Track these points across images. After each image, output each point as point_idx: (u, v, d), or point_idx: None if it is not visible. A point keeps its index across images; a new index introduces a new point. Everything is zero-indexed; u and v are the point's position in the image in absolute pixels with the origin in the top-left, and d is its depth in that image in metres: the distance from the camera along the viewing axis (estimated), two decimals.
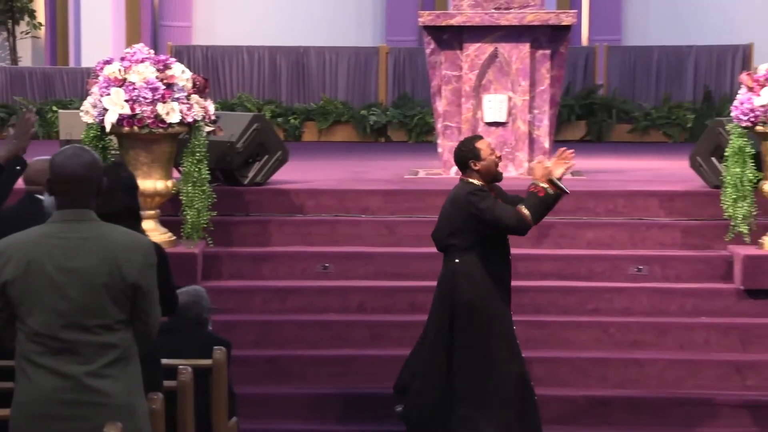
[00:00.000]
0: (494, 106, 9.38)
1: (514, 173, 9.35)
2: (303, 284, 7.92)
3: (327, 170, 10.06)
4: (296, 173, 9.35)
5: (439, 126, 9.59)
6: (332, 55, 13.85)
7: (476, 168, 6.17)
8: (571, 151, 6.10)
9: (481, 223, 6.12)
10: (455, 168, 9.46)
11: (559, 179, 6.04)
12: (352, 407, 7.23)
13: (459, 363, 6.17)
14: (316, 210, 8.46)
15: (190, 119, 7.65)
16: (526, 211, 6.03)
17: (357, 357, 7.45)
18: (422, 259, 8.01)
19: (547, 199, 6.04)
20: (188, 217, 7.76)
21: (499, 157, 6.25)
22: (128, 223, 4.68)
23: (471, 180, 6.21)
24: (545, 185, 6.02)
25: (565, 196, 6.09)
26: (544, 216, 6.10)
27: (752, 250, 7.65)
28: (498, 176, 6.23)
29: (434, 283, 7.88)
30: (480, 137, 6.35)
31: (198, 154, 7.75)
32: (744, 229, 7.59)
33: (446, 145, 9.51)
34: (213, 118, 7.88)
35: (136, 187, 5.12)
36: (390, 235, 8.26)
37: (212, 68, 13.85)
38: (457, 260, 6.22)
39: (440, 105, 9.53)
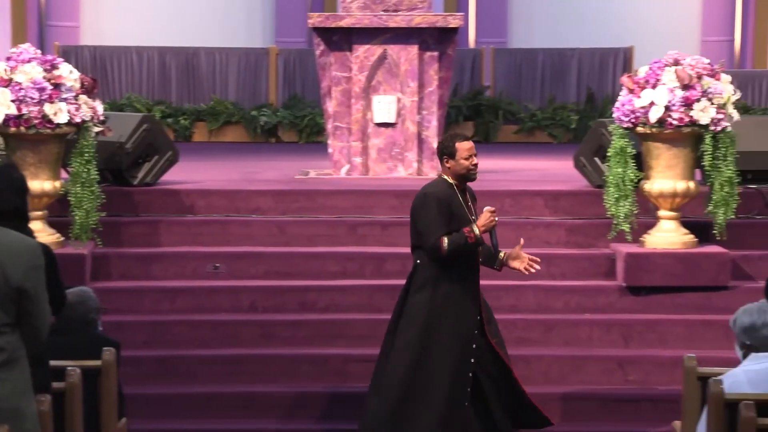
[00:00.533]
0: (383, 107, 9.48)
1: (404, 173, 9.46)
2: (193, 284, 7.93)
3: (217, 171, 10.05)
4: (186, 174, 9.33)
5: (329, 127, 9.66)
6: (222, 56, 13.82)
7: (447, 165, 6.28)
8: (493, 209, 6.25)
9: (413, 226, 6.20)
10: (346, 168, 9.56)
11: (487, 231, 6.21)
12: (242, 406, 7.26)
13: (392, 363, 6.24)
14: (207, 210, 8.47)
15: (78, 120, 7.60)
16: (445, 244, 6.16)
17: (248, 356, 7.48)
18: (313, 258, 8.07)
19: (470, 246, 6.17)
20: (77, 217, 7.71)
21: (475, 165, 6.31)
22: (16, 223, 4.67)
23: (444, 176, 6.33)
24: (477, 233, 6.16)
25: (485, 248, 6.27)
26: (459, 255, 6.20)
27: (634, 248, 7.85)
28: (468, 178, 6.32)
29: (325, 282, 7.97)
30: (465, 137, 6.41)
31: (86, 155, 7.70)
32: (626, 227, 7.78)
33: (336, 146, 9.58)
34: (102, 118, 7.85)
35: (26, 189, 5.10)
36: (280, 235, 8.30)
37: (101, 69, 13.73)
38: (418, 260, 6.28)
39: (330, 106, 9.60)
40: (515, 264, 6.41)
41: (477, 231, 6.19)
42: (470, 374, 6.24)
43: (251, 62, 13.83)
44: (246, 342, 7.59)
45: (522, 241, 6.51)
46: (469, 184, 6.40)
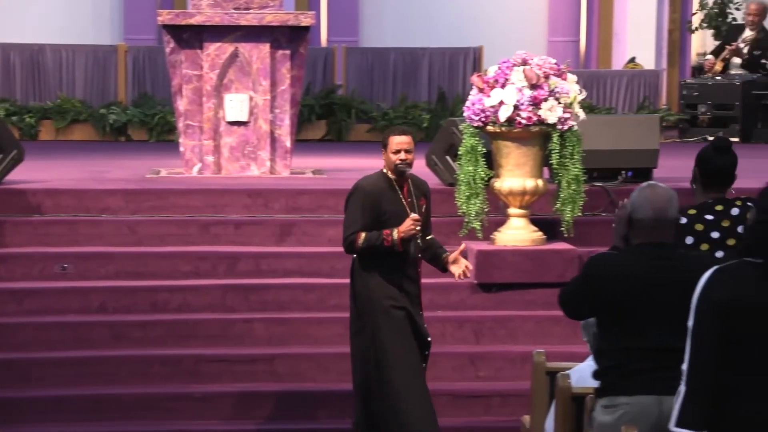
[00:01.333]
0: (235, 105, 9.42)
1: (257, 172, 9.42)
2: (41, 285, 7.77)
3: (65, 170, 9.86)
4: (33, 173, 9.13)
5: (180, 125, 9.56)
6: (69, 53, 13.56)
7: (383, 157, 6.31)
8: (417, 218, 6.22)
9: None
10: (198, 166, 9.47)
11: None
12: (93, 409, 7.14)
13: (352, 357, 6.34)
14: (55, 210, 8.30)
15: None
16: (360, 240, 6.20)
17: (98, 358, 7.36)
18: (164, 258, 7.98)
19: (385, 248, 6.18)
20: None
21: (403, 160, 6.27)
22: None
23: (384, 169, 6.35)
24: (394, 237, 6.15)
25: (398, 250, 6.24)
26: (374, 254, 6.22)
27: (485, 246, 7.95)
28: (398, 173, 6.28)
29: (177, 282, 7.89)
30: (402, 131, 6.40)
31: None
32: (477, 225, 7.88)
33: (188, 144, 9.49)
34: None
35: None
36: (131, 234, 8.18)
37: None
38: (355, 255, 6.24)
39: (181, 104, 9.50)
40: (453, 268, 6.37)
41: (395, 235, 6.17)
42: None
43: (99, 59, 13.60)
44: (96, 343, 7.47)
45: (463, 245, 6.50)
46: (426, 180, 6.40)
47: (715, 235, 5.05)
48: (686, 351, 3.96)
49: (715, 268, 4.00)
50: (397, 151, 6.30)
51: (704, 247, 5.03)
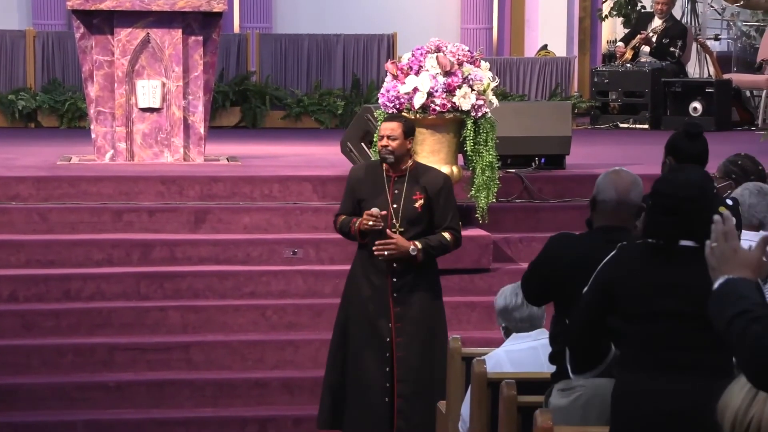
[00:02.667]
0: (148, 91, 9.33)
1: (171, 159, 9.34)
2: None
3: None
4: None
5: (91, 112, 9.44)
6: None
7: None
8: (371, 213, 6.12)
9: None
10: (110, 153, 9.37)
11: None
12: (4, 398, 7.05)
13: None
14: None
15: None
16: (337, 224, 6.22)
17: (8, 347, 7.26)
18: (76, 246, 7.89)
19: (352, 236, 6.19)
20: None
21: (385, 146, 6.15)
22: None
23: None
24: (356, 227, 6.14)
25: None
26: (348, 239, 6.25)
27: None
28: (382, 160, 6.20)
29: (90, 270, 7.79)
30: (391, 117, 6.35)
31: None
32: None
33: (99, 131, 9.38)
34: None
35: None
36: (42, 222, 8.07)
37: None
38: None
39: (92, 90, 9.38)
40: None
41: (356, 226, 6.12)
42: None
43: (7, 45, 13.36)
44: (6, 333, 7.36)
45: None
46: (432, 173, 6.20)
47: None
48: (574, 312, 4.20)
49: (619, 245, 4.13)
50: (381, 137, 6.20)
51: None
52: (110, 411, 7.07)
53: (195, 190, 8.36)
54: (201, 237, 8.08)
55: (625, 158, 9.56)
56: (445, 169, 7.85)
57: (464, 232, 7.96)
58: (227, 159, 9.73)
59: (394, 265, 6.15)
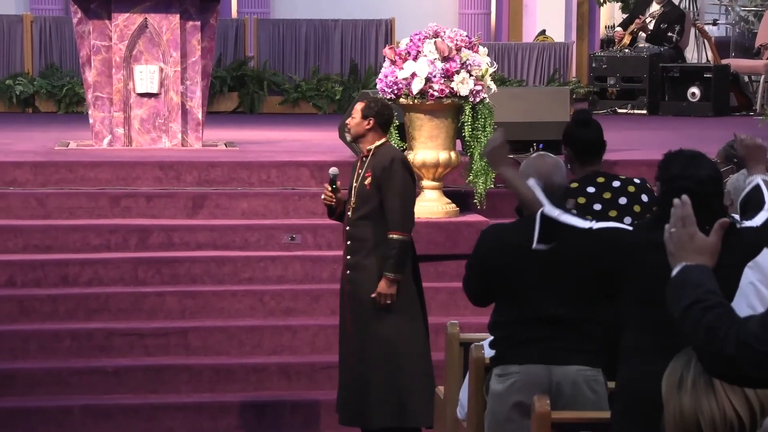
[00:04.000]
0: (146, 77, 9.31)
1: (169, 145, 9.33)
2: None
3: None
4: None
5: (89, 97, 9.43)
6: None
7: None
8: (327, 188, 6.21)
9: None
10: (108, 139, 9.36)
11: None
12: (2, 383, 7.04)
13: None
14: None
15: None
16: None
17: (6, 332, 7.25)
18: (74, 231, 7.88)
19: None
20: None
21: (349, 130, 6.23)
22: None
23: None
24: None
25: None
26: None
27: None
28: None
29: (87, 255, 7.79)
30: (362, 98, 6.33)
31: None
32: None
33: (97, 116, 9.36)
34: None
35: None
36: (40, 207, 8.06)
37: None
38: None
39: (90, 75, 9.36)
40: None
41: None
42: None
43: (4, 30, 13.34)
44: (3, 318, 7.35)
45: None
46: (383, 152, 6.17)
47: (597, 207, 5.11)
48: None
49: (638, 223, 4.30)
50: (350, 118, 6.32)
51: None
52: (107, 396, 7.07)
53: (193, 176, 8.35)
54: (199, 222, 8.08)
55: (623, 143, 9.56)
56: (443, 155, 7.86)
57: (461, 218, 7.98)
58: (225, 144, 9.72)
59: (348, 242, 6.21)
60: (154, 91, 9.33)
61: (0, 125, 11.45)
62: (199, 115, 9.44)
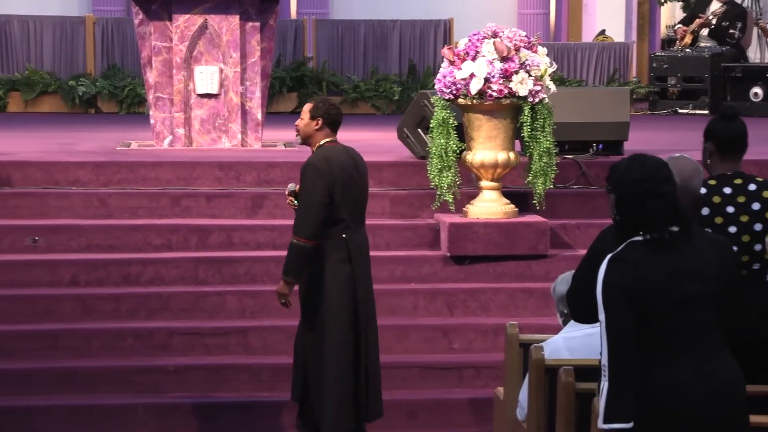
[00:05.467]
0: (206, 77, 9.38)
1: (228, 145, 9.39)
2: (10, 258, 7.72)
3: (34, 142, 9.80)
4: (1, 145, 9.07)
5: (150, 97, 9.51)
6: (36, 25, 13.45)
7: None
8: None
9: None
10: (169, 139, 9.43)
11: None
12: (63, 382, 7.12)
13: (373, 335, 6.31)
14: (24, 182, 8.25)
15: None
16: None
17: (68, 331, 7.33)
18: (135, 231, 7.95)
19: None
20: None
21: (299, 131, 6.32)
22: None
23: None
24: None
25: None
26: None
27: (457, 218, 7.96)
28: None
29: (148, 255, 7.85)
30: (313, 100, 6.41)
31: None
32: (449, 197, 7.89)
33: (158, 117, 9.44)
34: None
35: None
36: (102, 207, 8.14)
37: None
38: (344, 234, 6.27)
39: (151, 76, 9.44)
40: None
41: None
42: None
43: (67, 31, 13.49)
44: (66, 316, 7.43)
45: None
46: (306, 162, 6.30)
47: (730, 209, 4.96)
48: (602, 345, 3.96)
49: (608, 257, 4.00)
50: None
51: (718, 220, 4.94)
52: (169, 395, 7.12)
53: (252, 176, 8.40)
54: (258, 222, 8.12)
55: (684, 144, 9.48)
56: (502, 155, 7.84)
57: (520, 218, 7.96)
58: (284, 145, 9.76)
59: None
60: (214, 91, 9.39)
61: (63, 126, 11.58)
62: (259, 116, 9.50)
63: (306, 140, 6.34)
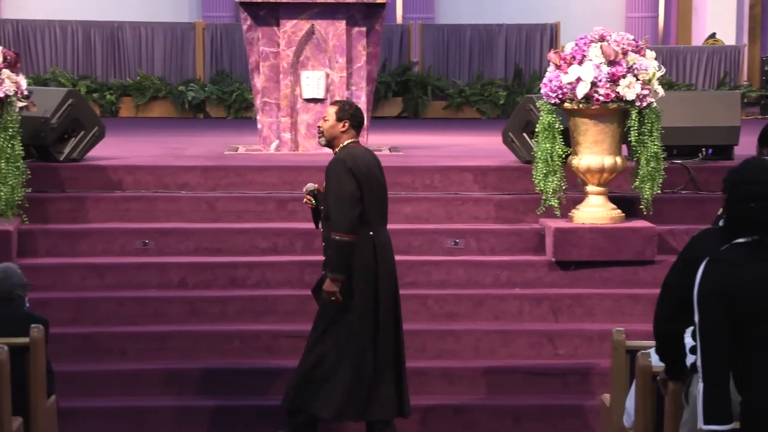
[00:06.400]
0: (312, 82, 9.45)
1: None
2: (121, 261, 7.86)
3: (145, 146, 9.97)
4: (113, 149, 9.24)
5: (257, 102, 9.61)
6: (148, 31, 13.68)
7: None
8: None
9: None
10: (275, 143, 9.53)
11: None
12: (171, 383, 7.22)
13: (393, 331, 6.35)
14: (134, 186, 8.40)
15: (1, 94, 7.49)
16: None
17: (176, 332, 7.44)
18: (242, 234, 8.04)
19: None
20: (2, 193, 7.61)
21: (318, 128, 6.47)
22: None
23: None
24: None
25: None
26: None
27: (562, 223, 7.91)
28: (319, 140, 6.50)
29: (255, 258, 7.92)
30: (335, 103, 6.52)
31: (11, 130, 7.60)
32: (554, 202, 7.84)
33: (265, 122, 9.54)
34: (25, 93, 7.74)
35: None
36: (210, 210, 8.25)
37: (23, 43, 13.52)
38: (371, 232, 6.31)
39: (258, 81, 9.54)
40: None
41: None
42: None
43: (177, 37, 13.71)
44: (175, 318, 7.54)
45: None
46: (335, 160, 6.39)
47: None
48: (698, 347, 3.93)
49: (707, 259, 3.97)
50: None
51: None
52: (273, 397, 7.18)
53: None
54: None
55: None
56: (609, 159, 7.77)
57: (627, 224, 7.87)
58: (389, 149, 9.79)
59: (323, 243, 6.40)
60: (320, 96, 9.46)
61: (172, 130, 11.76)
62: (364, 120, 9.52)
63: (330, 142, 6.42)
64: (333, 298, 6.27)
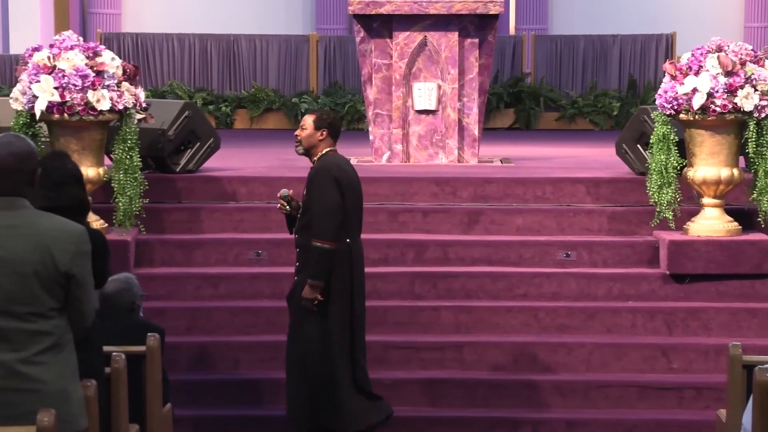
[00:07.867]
0: (424, 94, 9.47)
1: (445, 161, 9.45)
2: (235, 271, 7.96)
3: (259, 157, 10.08)
4: (228, 160, 9.37)
5: (370, 114, 9.67)
6: (263, 43, 13.86)
7: None
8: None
9: None
10: (387, 155, 9.57)
11: None
12: (282, 392, 7.27)
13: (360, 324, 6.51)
14: (248, 197, 8.50)
15: (120, 107, 7.65)
16: None
17: (281, 343, 7.47)
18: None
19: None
20: (120, 204, 7.76)
21: (295, 137, 6.53)
22: (78, 215, 4.70)
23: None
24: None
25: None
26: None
27: (677, 236, 7.80)
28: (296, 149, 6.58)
29: (366, 269, 7.94)
30: (313, 112, 6.61)
31: (129, 142, 7.74)
32: (669, 214, 7.74)
33: (377, 133, 9.59)
34: (144, 105, 7.88)
35: (82, 177, 5.11)
36: None
37: (142, 56, 13.79)
38: (348, 239, 6.44)
39: (371, 93, 9.60)
40: None
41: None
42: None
43: (291, 49, 13.86)
44: (287, 328, 7.59)
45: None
46: (320, 167, 6.43)
47: None
48: None
49: None
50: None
51: None
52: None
53: (468, 192, 8.43)
54: (474, 238, 8.14)
55: None
56: (725, 171, 7.64)
57: (744, 236, 7.73)
58: (500, 160, 9.76)
59: (297, 249, 6.49)
60: (432, 107, 9.48)
61: (286, 142, 11.85)
62: (476, 132, 9.53)
63: (308, 150, 6.49)
64: (313, 304, 6.35)
